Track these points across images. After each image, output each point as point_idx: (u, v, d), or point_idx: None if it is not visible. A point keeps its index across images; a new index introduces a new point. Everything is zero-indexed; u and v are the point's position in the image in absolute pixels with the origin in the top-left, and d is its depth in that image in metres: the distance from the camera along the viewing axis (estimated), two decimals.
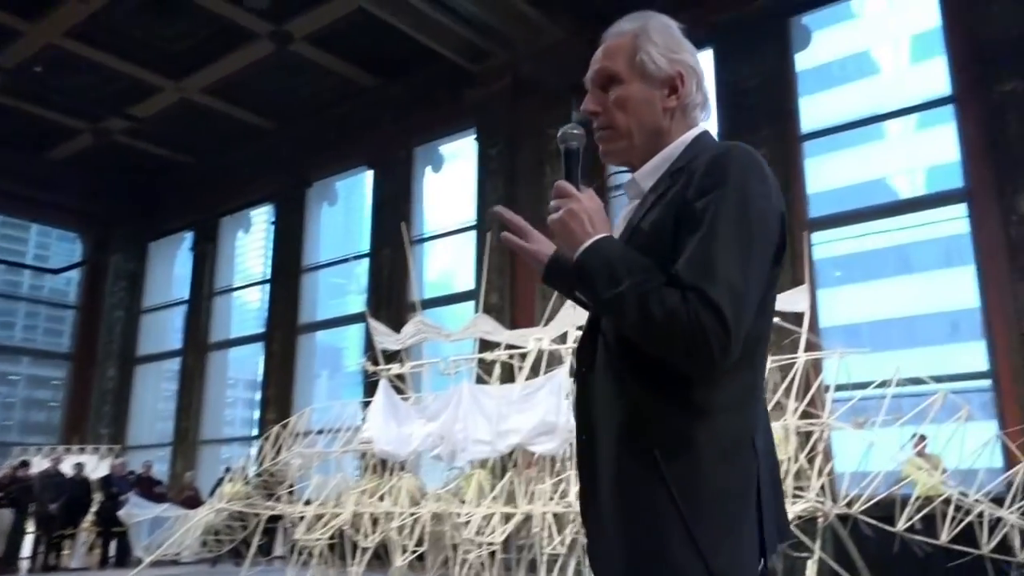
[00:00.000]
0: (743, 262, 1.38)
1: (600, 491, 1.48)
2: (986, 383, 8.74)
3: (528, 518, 7.88)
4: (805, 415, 6.94)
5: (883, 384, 6.74)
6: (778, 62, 11.31)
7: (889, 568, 6.68)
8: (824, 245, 10.45)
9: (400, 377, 9.52)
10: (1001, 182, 8.83)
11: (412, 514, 8.56)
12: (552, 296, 11.61)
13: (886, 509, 6.40)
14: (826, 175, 11.29)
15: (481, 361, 9.04)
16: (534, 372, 8.47)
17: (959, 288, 9.34)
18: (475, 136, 14.06)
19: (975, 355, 8.92)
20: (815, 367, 7.60)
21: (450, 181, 15.52)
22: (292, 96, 15.62)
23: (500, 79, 13.31)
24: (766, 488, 1.44)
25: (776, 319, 7.50)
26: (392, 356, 9.63)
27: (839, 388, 6.71)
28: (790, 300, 7.42)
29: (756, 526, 1.41)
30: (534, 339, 8.36)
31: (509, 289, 12.88)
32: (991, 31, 9.22)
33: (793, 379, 6.89)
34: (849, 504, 6.41)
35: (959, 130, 9.51)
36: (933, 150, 10.40)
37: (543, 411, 7.91)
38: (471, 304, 13.40)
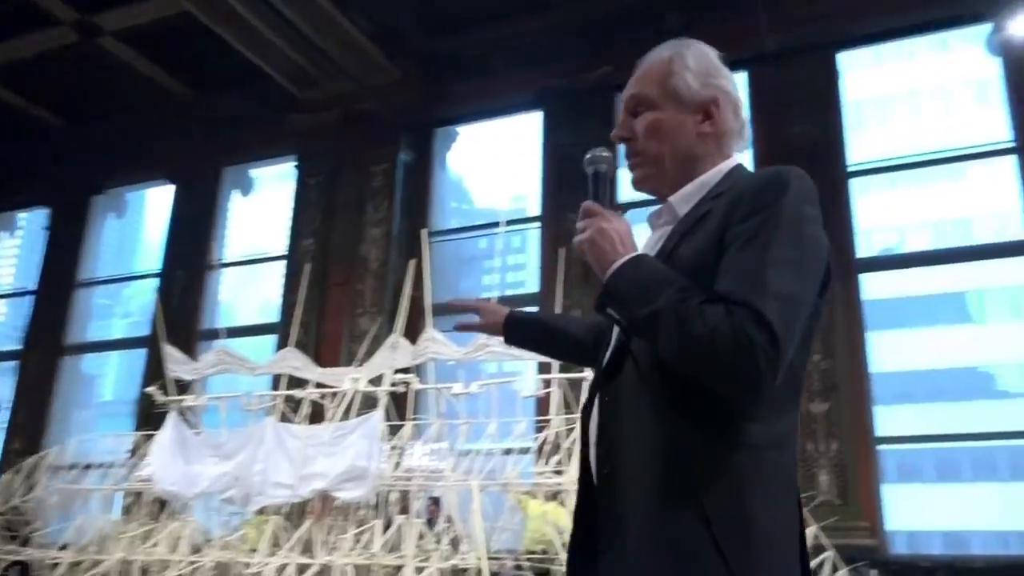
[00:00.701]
0: (796, 279, 1.31)
1: (627, 532, 1.31)
2: None
3: (325, 570, 7.36)
4: None
5: None
6: (601, 134, 11.80)
7: None
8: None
9: (185, 411, 8.69)
10: None
11: (192, 563, 7.72)
12: (366, 337, 11.26)
13: None
14: None
15: (289, 398, 8.46)
16: (346, 414, 8.03)
17: None
18: (295, 164, 13.48)
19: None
20: None
21: (261, 208, 14.74)
22: (91, 95, 14.25)
23: (329, 109, 12.90)
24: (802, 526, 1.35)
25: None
26: (183, 387, 8.78)
27: None
28: None
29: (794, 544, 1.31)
30: (350, 379, 7.95)
31: (316, 326, 12.28)
32: None
33: None
34: None
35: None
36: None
37: (354, 455, 7.49)
38: (272, 338, 12.67)
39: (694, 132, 1.58)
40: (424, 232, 9.11)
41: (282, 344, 12.36)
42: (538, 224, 12.15)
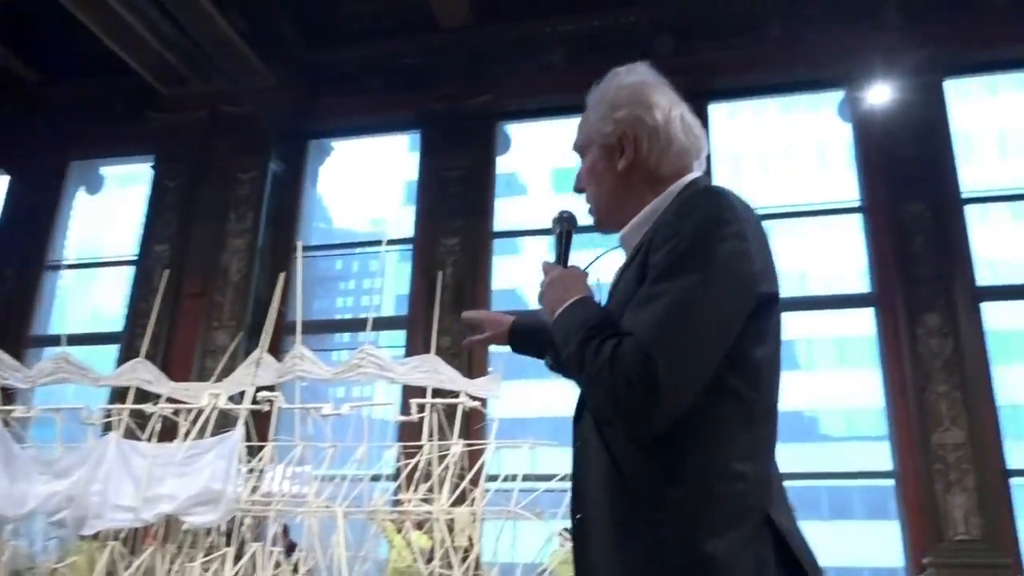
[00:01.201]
0: (694, 310, 1.27)
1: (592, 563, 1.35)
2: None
3: None
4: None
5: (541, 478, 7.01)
6: (479, 161, 11.84)
7: None
8: None
9: (11, 423, 7.89)
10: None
11: None
12: (223, 352, 10.67)
13: None
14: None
15: (137, 413, 7.83)
16: (201, 433, 7.51)
17: None
18: (152, 164, 12.67)
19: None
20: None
21: (109, 208, 13.74)
22: None
23: (196, 109, 12.26)
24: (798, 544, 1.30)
25: (475, 404, 7.64)
26: (9, 396, 7.97)
27: (526, 478, 6.86)
28: (482, 387, 7.53)
29: None
30: (209, 395, 7.44)
31: (166, 337, 11.51)
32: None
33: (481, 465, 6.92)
34: None
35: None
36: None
37: (208, 477, 6.99)
38: (113, 348, 11.77)
39: (616, 169, 1.55)
40: (299, 245, 8.74)
41: (126, 354, 11.49)
42: (410, 247, 11.94)
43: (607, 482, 1.32)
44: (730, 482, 1.28)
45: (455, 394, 7.47)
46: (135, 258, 12.34)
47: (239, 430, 7.17)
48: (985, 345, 9.56)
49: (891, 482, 9.59)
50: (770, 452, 1.38)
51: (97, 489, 7.06)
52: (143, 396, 8.34)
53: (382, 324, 13.24)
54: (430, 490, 6.93)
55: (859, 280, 10.43)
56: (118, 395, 8.55)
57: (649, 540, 1.26)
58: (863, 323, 10.19)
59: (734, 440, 1.31)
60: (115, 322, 12.25)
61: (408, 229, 12.17)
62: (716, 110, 11.51)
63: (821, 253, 11.39)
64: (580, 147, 1.63)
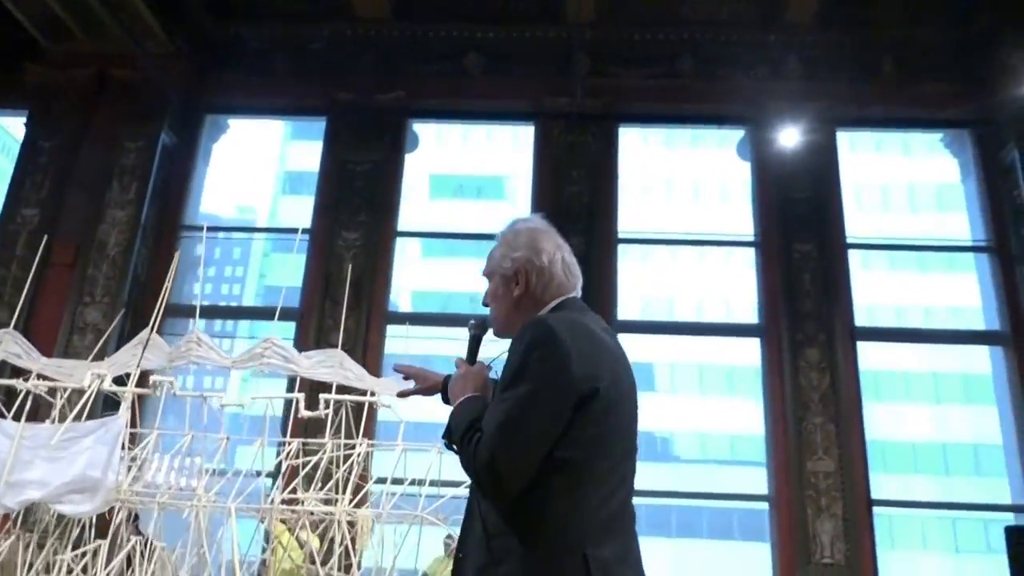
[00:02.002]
0: (507, 416, 1.74)
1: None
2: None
3: None
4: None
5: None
6: (389, 156, 11.58)
7: None
8: None
9: None
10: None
11: None
12: (96, 331, 9.92)
13: None
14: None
15: (5, 389, 7.07)
16: (78, 416, 6.87)
17: None
18: (26, 120, 11.63)
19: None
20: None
21: None
22: None
23: (83, 67, 11.36)
24: None
25: (387, 404, 7.37)
26: None
27: (395, 481, 6.62)
28: (389, 387, 7.30)
29: None
30: (92, 374, 6.82)
31: (28, 309, 10.52)
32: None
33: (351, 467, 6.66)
34: None
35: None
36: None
37: (84, 463, 6.39)
38: None
39: (512, 296, 2.05)
40: (205, 227, 8.23)
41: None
42: (306, 237, 11.49)
43: (477, 534, 1.80)
44: (554, 527, 1.72)
45: (360, 391, 7.22)
46: None
47: (124, 415, 6.61)
48: (859, 382, 10.19)
49: (766, 505, 10.02)
50: (603, 503, 1.77)
51: None
52: (8, 372, 7.58)
53: (267, 315, 12.72)
54: (330, 490, 6.62)
55: (749, 311, 10.88)
56: None
57: (495, 567, 1.73)
58: (750, 353, 10.64)
59: (565, 500, 1.73)
60: None
61: (295, 220, 11.74)
62: (627, 133, 11.77)
63: (717, 282, 11.83)
64: (487, 274, 2.12)
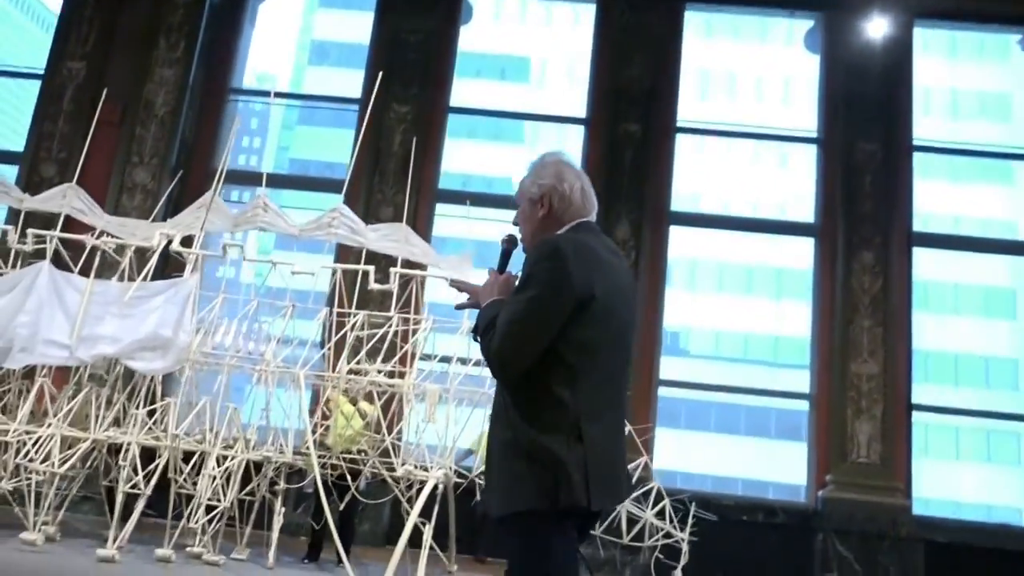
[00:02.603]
0: (514, 320, 2.11)
1: (491, 448, 2.23)
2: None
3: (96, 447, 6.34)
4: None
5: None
6: (442, 28, 11.15)
7: None
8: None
9: None
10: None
11: None
12: (146, 192, 9.87)
13: None
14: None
15: (73, 244, 7.05)
16: (143, 275, 6.87)
17: None
18: None
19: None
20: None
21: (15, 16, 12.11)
22: None
23: None
24: (596, 462, 2.09)
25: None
26: None
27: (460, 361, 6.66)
28: (453, 265, 7.24)
29: (566, 482, 2.06)
30: (161, 234, 6.77)
31: (77, 167, 10.41)
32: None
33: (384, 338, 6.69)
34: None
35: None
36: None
37: (156, 322, 6.44)
38: (11, 169, 10.57)
39: (538, 216, 2.34)
40: (273, 94, 7.97)
41: (28, 178, 10.41)
42: (355, 108, 11.21)
43: (500, 412, 2.19)
44: (554, 406, 2.10)
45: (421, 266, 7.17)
46: (41, 72, 11.00)
47: (194, 276, 6.61)
48: (910, 287, 10.09)
49: (806, 405, 10.13)
50: (592, 391, 2.14)
51: (25, 320, 6.36)
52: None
53: (319, 186, 12.62)
54: (396, 363, 6.67)
55: (805, 211, 10.68)
56: (40, 223, 7.67)
57: (510, 434, 2.14)
58: (802, 254, 10.52)
59: (559, 384, 2.10)
60: (11, 141, 10.98)
61: (321, 91, 11.42)
62: (692, 19, 11.24)
63: (775, 180, 11.56)
64: (517, 199, 2.42)
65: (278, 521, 6.62)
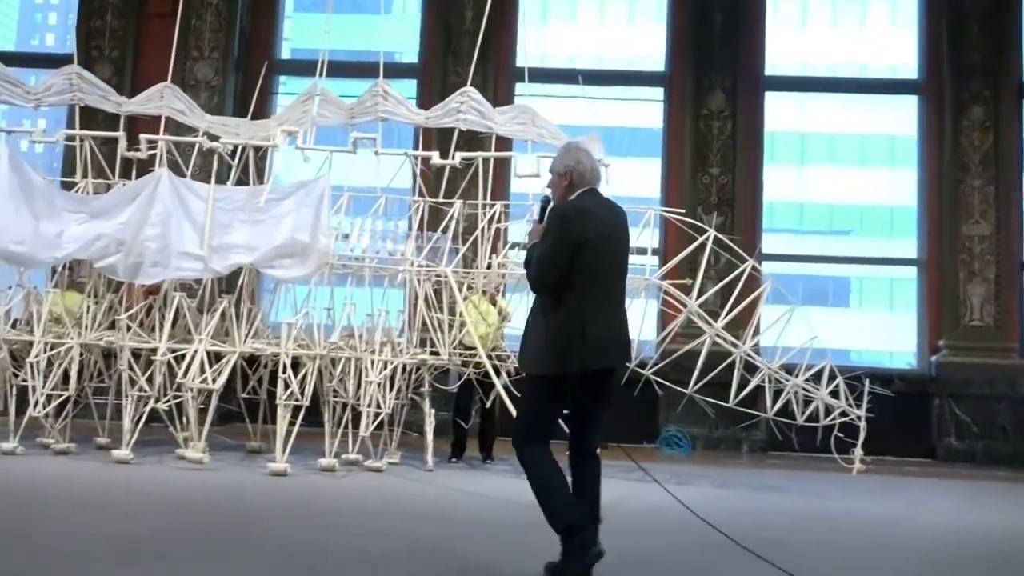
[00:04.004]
0: (545, 251, 3.16)
1: (528, 329, 3.32)
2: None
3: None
4: None
5: None
6: None
7: None
8: None
9: None
10: None
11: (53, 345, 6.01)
12: (218, 88, 9.31)
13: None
14: None
15: (178, 147, 6.56)
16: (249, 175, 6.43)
17: None
18: None
19: None
20: None
21: None
22: None
23: None
24: (594, 339, 3.15)
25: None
26: None
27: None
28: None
29: (573, 354, 3.12)
30: (283, 130, 6.27)
31: (131, 65, 9.77)
32: None
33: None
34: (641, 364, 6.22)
35: None
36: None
37: (291, 227, 6.05)
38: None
39: (563, 185, 3.34)
40: None
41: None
42: None
43: (536, 304, 3.29)
44: (566, 307, 3.15)
45: None
46: None
47: (325, 177, 6.16)
48: (1022, 143, 9.65)
49: (914, 271, 9.88)
50: (592, 303, 3.18)
51: (153, 234, 5.97)
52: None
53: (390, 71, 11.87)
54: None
55: (908, 69, 10.10)
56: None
57: (541, 322, 3.20)
58: (904, 115, 10.02)
59: (569, 296, 3.15)
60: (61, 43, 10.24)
61: None
62: None
63: (876, 37, 10.86)
64: (551, 171, 3.43)
65: (430, 423, 6.45)
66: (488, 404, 6.78)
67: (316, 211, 6.03)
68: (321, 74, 6.62)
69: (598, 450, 3.41)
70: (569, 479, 3.19)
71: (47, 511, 4.29)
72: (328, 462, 5.95)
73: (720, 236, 6.35)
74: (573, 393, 3.15)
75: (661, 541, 4.24)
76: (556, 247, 3.11)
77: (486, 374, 6.59)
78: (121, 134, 6.45)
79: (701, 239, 6.37)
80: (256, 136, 6.53)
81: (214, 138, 6.61)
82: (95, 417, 6.66)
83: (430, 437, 6.39)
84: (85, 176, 6.57)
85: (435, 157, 6.36)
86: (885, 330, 10.36)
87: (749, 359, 6.23)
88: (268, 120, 6.95)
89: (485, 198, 6.51)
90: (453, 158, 6.43)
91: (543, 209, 3.36)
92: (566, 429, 3.30)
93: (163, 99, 6.64)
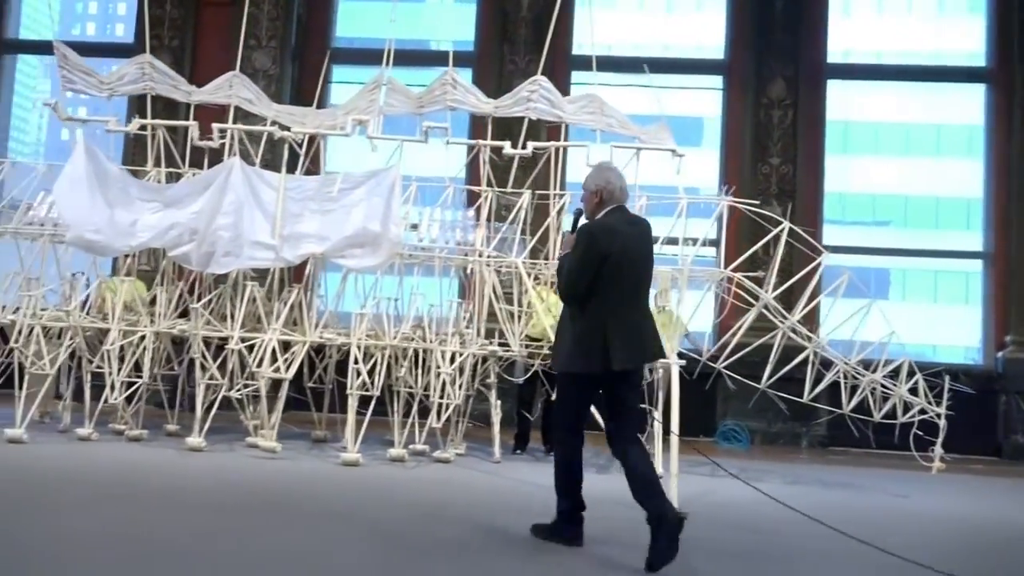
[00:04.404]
0: (574, 264, 3.61)
1: (561, 330, 3.80)
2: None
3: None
4: None
5: None
6: None
7: None
8: None
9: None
10: None
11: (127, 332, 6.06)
12: (276, 77, 9.31)
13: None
14: None
15: (251, 136, 6.57)
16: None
17: None
18: None
19: None
20: None
21: None
22: None
23: None
24: (615, 343, 3.54)
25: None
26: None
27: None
28: (654, 136, 6.68)
29: (596, 355, 3.53)
30: (352, 120, 6.25)
31: (191, 55, 9.82)
32: None
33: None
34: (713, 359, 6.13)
35: None
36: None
37: (363, 216, 6.03)
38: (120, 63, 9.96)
39: (594, 201, 3.73)
40: None
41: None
42: None
43: (565, 310, 3.74)
44: (592, 313, 3.57)
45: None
46: None
47: (397, 166, 6.13)
48: None
49: (979, 265, 9.65)
50: (615, 311, 3.58)
51: (226, 223, 5.98)
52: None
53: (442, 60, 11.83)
54: None
55: (976, 56, 9.84)
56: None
57: (570, 326, 3.65)
58: (970, 104, 9.77)
59: (594, 303, 3.57)
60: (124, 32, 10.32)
61: None
62: None
63: (937, 19, 10.57)
64: (584, 189, 3.81)
65: (497, 415, 6.42)
66: (554, 396, 6.72)
67: (387, 200, 6.01)
68: (388, 63, 6.57)
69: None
70: (624, 472, 3.49)
71: (149, 500, 4.33)
72: (397, 452, 5.94)
73: (795, 228, 6.21)
74: (603, 389, 3.60)
75: (766, 540, 4.17)
76: (582, 261, 3.54)
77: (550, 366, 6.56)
78: (193, 123, 6.46)
79: (775, 231, 6.24)
80: (323, 125, 6.50)
81: (283, 127, 6.62)
82: (164, 404, 6.73)
83: (497, 429, 6.37)
84: (156, 165, 6.60)
85: (507, 147, 6.29)
86: (929, 324, 10.09)
87: (823, 354, 6.11)
88: (334, 109, 6.92)
89: (556, 188, 6.45)
90: (524, 147, 6.38)
91: (575, 222, 3.80)
92: (601, 422, 3.70)
93: (231, 88, 6.65)
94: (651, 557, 3.18)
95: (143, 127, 6.46)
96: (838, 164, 10.10)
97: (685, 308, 6.16)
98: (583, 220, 3.71)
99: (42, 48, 10.88)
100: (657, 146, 6.29)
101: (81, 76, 6.47)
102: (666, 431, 5.79)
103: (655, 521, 3.23)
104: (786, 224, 6.29)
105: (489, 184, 6.58)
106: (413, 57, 9.50)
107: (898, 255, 10.21)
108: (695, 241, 6.28)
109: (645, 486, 3.36)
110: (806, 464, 7.93)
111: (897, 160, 10.49)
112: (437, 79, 6.55)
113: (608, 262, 3.48)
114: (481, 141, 6.38)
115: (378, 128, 6.48)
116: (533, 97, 6.30)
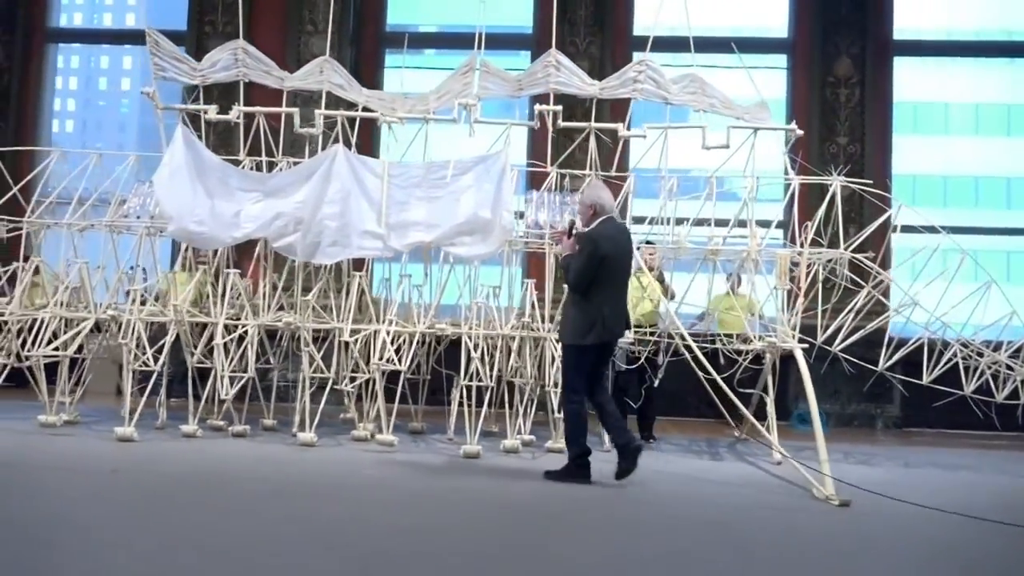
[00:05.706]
0: (579, 266, 4.83)
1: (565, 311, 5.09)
2: None
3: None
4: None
5: None
6: None
7: None
8: None
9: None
10: None
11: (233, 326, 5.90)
12: (346, 59, 9.13)
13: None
14: None
15: (354, 122, 6.38)
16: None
17: None
18: None
19: None
20: None
21: None
22: None
23: None
24: (611, 320, 4.87)
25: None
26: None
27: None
28: (754, 114, 6.54)
29: (599, 329, 4.83)
30: (461, 103, 6.06)
31: (245, 35, 9.54)
32: None
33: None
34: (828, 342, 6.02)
35: None
36: None
37: (472, 204, 5.87)
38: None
39: (588, 214, 4.99)
40: None
41: (195, 57, 9.59)
42: None
43: (568, 296, 5.02)
44: (590, 300, 4.86)
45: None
46: None
47: (505, 152, 5.97)
48: None
49: None
50: (609, 296, 4.89)
51: (332, 212, 5.82)
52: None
53: (497, 43, 11.64)
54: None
55: None
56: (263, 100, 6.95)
57: (570, 310, 4.95)
58: None
59: (595, 291, 4.85)
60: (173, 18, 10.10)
61: None
62: None
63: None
64: (580, 202, 5.24)
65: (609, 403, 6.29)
66: (655, 383, 6.61)
67: (498, 186, 5.85)
68: (480, 47, 6.39)
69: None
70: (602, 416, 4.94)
71: (328, 495, 4.20)
72: (511, 443, 5.83)
73: (908, 208, 6.10)
74: (592, 356, 4.83)
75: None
76: (588, 261, 4.74)
77: (654, 352, 6.45)
78: (296, 110, 6.26)
79: (889, 212, 6.12)
80: (414, 110, 6.33)
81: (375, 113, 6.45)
82: (260, 399, 6.57)
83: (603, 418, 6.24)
84: (250, 154, 6.42)
85: (621, 128, 6.14)
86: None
87: (941, 336, 6.01)
88: (424, 94, 6.72)
89: (662, 171, 6.31)
90: (629, 129, 6.23)
91: (570, 230, 4.98)
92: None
93: (323, 73, 6.44)
94: (619, 471, 4.75)
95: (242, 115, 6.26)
96: (907, 144, 9.96)
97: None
98: (578, 228, 4.97)
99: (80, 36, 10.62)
100: (776, 126, 6.15)
101: (172, 63, 6.26)
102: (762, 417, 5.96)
103: (622, 447, 4.81)
104: (899, 204, 6.18)
105: (593, 168, 6.43)
106: (465, 41, 9.31)
107: (1006, 234, 9.96)
108: (770, 224, 6.19)
109: (616, 422, 4.96)
110: (890, 446, 7.84)
111: (969, 139, 10.36)
112: (538, 61, 6.38)
113: (605, 261, 4.76)
114: (591, 124, 6.21)
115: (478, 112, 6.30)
116: (640, 78, 6.14)
